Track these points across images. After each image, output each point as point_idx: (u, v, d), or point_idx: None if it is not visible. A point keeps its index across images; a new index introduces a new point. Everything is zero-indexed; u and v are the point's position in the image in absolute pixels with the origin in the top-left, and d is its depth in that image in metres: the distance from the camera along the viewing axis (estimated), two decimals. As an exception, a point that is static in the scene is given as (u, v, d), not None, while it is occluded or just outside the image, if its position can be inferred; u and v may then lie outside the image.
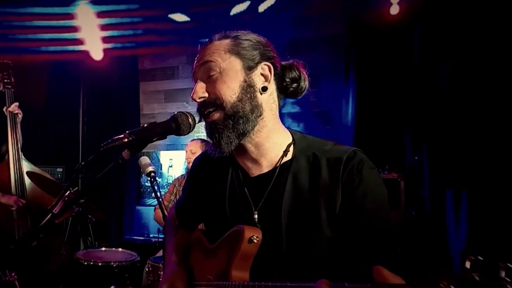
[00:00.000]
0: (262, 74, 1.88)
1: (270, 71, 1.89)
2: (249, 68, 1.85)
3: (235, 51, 1.86)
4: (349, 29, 6.78)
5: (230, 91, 1.80)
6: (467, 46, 5.49)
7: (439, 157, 5.76)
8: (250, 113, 1.82)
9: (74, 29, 7.51)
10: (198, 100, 1.84)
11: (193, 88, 1.88)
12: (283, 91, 1.99)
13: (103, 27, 7.57)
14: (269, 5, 6.91)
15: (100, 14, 7.36)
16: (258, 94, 1.86)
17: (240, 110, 1.80)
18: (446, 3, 5.76)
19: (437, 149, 5.80)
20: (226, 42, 1.88)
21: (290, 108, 7.28)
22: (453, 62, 5.69)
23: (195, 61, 1.93)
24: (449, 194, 5.67)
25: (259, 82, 1.87)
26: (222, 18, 7.06)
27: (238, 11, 7.02)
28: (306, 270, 1.73)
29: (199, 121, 1.91)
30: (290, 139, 1.95)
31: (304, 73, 2.02)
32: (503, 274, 0.98)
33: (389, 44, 6.20)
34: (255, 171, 1.94)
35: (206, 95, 1.83)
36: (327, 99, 7.04)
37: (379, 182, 1.82)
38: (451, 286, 1.03)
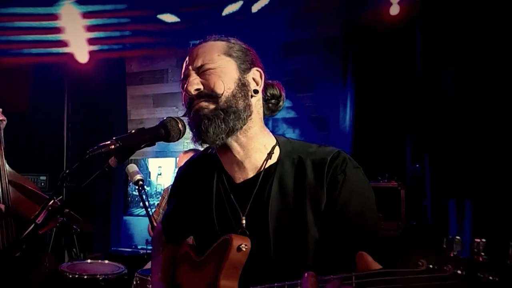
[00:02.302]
0: (253, 79, 1.96)
1: (261, 77, 1.98)
2: (243, 69, 1.93)
3: (229, 53, 1.93)
4: (347, 30, 6.81)
5: (225, 85, 1.85)
6: (471, 48, 5.50)
7: (441, 165, 5.76)
8: (242, 111, 1.87)
9: (58, 30, 7.52)
10: (193, 92, 1.87)
11: (185, 85, 1.91)
12: (264, 104, 2.07)
13: (89, 28, 7.58)
14: (263, 5, 6.93)
15: (85, 15, 7.36)
16: (250, 95, 1.93)
17: (234, 106, 1.85)
18: (449, 2, 5.78)
19: (439, 156, 5.80)
20: (221, 43, 1.96)
21: (285, 113, 7.31)
22: (456, 65, 5.70)
23: (186, 61, 1.98)
24: (452, 203, 5.67)
25: (251, 84, 1.94)
26: (213, 18, 7.08)
27: (231, 11, 7.03)
28: (295, 273, 1.77)
29: (184, 115, 1.95)
30: (274, 142, 2.01)
31: (283, 94, 2.13)
32: (476, 248, 1.07)
33: (389, 46, 6.23)
34: (240, 176, 1.99)
35: (202, 87, 1.87)
36: (324, 104, 7.07)
37: (364, 182, 1.88)
38: (430, 265, 1.09)
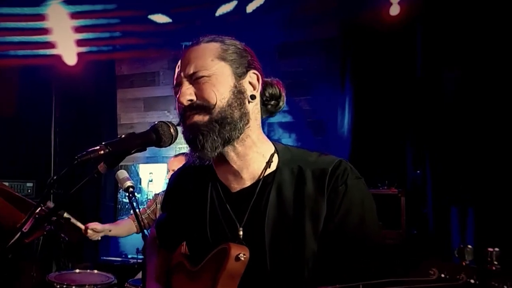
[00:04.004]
0: (250, 83, 1.93)
1: (258, 80, 1.95)
2: (239, 75, 1.89)
3: (224, 56, 1.89)
4: (345, 31, 6.80)
5: (220, 95, 1.83)
6: (474, 49, 5.50)
7: (443, 171, 5.75)
8: (238, 121, 1.85)
9: (45, 31, 7.48)
10: (186, 103, 1.85)
11: (177, 93, 1.90)
12: (262, 107, 2.04)
13: (77, 29, 7.54)
14: (258, 5, 6.91)
15: (74, 15, 7.33)
16: (247, 102, 1.90)
17: (229, 116, 1.83)
18: (450, 3, 5.78)
19: (440, 162, 5.80)
20: (215, 46, 1.92)
21: (281, 118, 7.28)
22: (458, 67, 5.70)
23: (179, 65, 1.95)
24: (454, 211, 5.66)
25: (248, 89, 1.91)
26: (206, 19, 7.06)
27: (224, 11, 7.01)
28: (292, 286, 1.76)
29: (178, 124, 1.92)
30: (272, 150, 1.99)
31: (284, 93, 2.10)
32: (489, 257, 1.07)
33: (388, 48, 6.22)
34: (236, 185, 1.97)
35: (194, 97, 1.85)
36: (321, 108, 7.06)
37: (365, 193, 1.87)
38: (441, 275, 1.09)
